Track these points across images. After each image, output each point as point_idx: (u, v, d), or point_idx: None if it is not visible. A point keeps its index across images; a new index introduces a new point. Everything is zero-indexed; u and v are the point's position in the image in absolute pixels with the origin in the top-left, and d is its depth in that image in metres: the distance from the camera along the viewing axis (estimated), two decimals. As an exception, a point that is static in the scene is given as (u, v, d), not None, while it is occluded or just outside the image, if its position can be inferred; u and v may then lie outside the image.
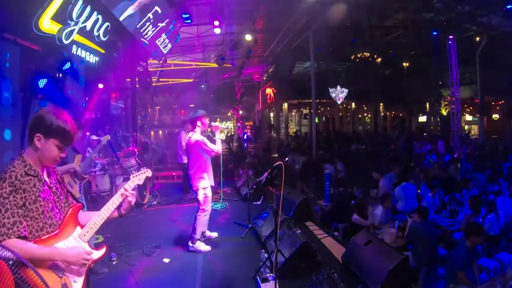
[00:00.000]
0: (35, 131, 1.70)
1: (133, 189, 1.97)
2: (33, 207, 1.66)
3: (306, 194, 7.25)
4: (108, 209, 1.89)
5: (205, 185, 4.44)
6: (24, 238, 1.60)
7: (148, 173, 2.16)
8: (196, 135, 4.39)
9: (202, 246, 4.48)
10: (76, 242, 1.78)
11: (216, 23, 8.16)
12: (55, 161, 1.78)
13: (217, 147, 4.39)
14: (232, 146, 15.33)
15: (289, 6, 10.00)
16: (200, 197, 4.44)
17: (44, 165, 1.79)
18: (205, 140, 4.39)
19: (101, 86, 7.77)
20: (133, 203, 1.98)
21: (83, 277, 1.76)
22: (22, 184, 1.63)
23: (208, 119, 4.57)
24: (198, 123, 4.43)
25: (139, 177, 2.10)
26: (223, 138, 4.75)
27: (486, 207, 5.62)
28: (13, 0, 4.06)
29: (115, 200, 1.91)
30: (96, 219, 1.84)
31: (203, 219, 4.48)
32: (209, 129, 4.66)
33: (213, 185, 4.68)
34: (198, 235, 4.46)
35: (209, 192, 4.50)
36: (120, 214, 1.98)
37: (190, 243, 4.49)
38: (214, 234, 4.86)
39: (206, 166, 4.47)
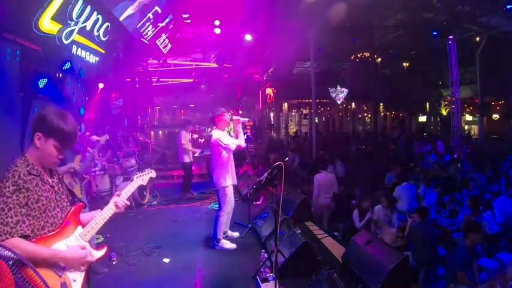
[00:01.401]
0: (36, 130, 1.71)
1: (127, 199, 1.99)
2: (35, 207, 1.66)
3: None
4: (110, 209, 1.90)
5: (225, 184, 4.45)
6: (27, 237, 1.60)
7: (153, 173, 2.14)
8: (216, 133, 4.44)
9: (227, 244, 4.54)
10: (77, 241, 1.78)
11: (216, 22, 8.17)
12: (53, 162, 1.77)
13: (237, 142, 4.38)
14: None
15: (289, 6, 10.00)
16: (221, 196, 4.49)
17: (43, 165, 1.79)
18: (222, 135, 4.40)
19: (101, 85, 7.77)
20: (122, 209, 1.97)
21: (82, 276, 1.76)
22: (25, 183, 1.64)
23: (229, 115, 4.57)
24: (220, 120, 4.47)
25: (143, 177, 2.10)
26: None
27: (483, 207, 5.64)
28: (13, 0, 4.07)
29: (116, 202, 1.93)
30: (97, 218, 1.85)
31: (223, 219, 4.51)
32: (231, 126, 4.64)
33: (235, 183, 4.72)
34: (220, 235, 4.52)
35: (231, 192, 4.52)
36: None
37: (216, 243, 4.54)
38: (236, 234, 4.91)
39: (227, 164, 4.47)
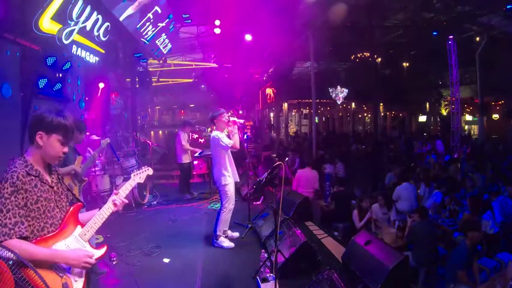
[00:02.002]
0: (37, 129, 1.71)
1: (125, 197, 1.99)
2: (34, 208, 1.66)
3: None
4: (109, 207, 1.90)
5: (227, 182, 4.52)
6: (26, 238, 1.60)
7: (150, 171, 2.17)
8: (214, 133, 4.55)
9: (225, 243, 4.58)
10: (76, 241, 1.78)
11: (217, 22, 8.17)
12: (58, 157, 1.78)
13: (232, 142, 4.46)
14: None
15: (289, 6, 10.01)
16: (222, 194, 4.55)
17: (46, 163, 1.79)
18: (221, 135, 4.50)
19: (101, 85, 7.76)
20: (120, 208, 1.98)
21: (83, 277, 1.77)
22: (24, 184, 1.64)
23: (227, 116, 4.65)
24: (218, 120, 4.57)
25: (140, 175, 2.12)
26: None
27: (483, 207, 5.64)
28: (13, 0, 4.07)
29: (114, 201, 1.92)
30: (96, 218, 1.85)
31: (225, 216, 4.57)
32: (229, 126, 4.69)
33: (238, 180, 4.80)
34: (220, 232, 4.58)
35: (231, 189, 4.59)
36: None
37: (215, 239, 4.60)
38: (236, 234, 4.93)
39: (227, 162, 4.57)
